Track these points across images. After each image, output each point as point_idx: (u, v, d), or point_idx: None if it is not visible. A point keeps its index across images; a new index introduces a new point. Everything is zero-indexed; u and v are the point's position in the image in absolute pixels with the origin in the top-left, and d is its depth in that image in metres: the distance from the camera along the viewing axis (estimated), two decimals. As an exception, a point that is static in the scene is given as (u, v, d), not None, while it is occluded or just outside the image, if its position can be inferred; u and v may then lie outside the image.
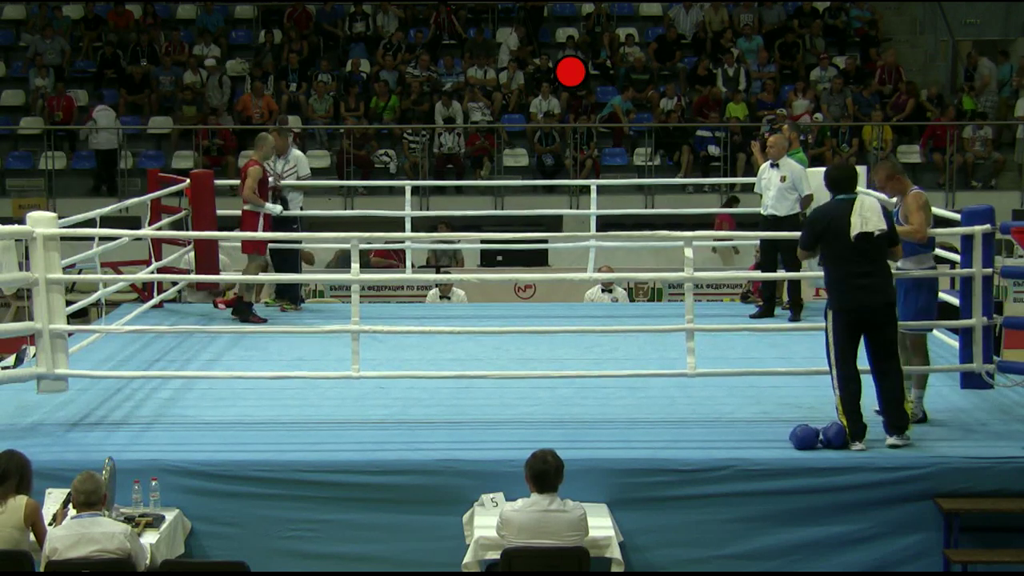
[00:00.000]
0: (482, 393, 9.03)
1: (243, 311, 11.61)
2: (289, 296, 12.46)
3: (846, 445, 7.75)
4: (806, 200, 11.37)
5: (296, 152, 12.62)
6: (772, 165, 11.54)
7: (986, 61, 21.28)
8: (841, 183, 8.00)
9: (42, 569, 6.67)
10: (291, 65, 21.08)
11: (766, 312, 11.57)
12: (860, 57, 21.70)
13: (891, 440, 7.83)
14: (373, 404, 8.81)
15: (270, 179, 12.09)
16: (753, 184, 12.08)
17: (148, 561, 6.80)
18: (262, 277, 13.07)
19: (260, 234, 12.64)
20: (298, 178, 12.35)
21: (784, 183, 11.39)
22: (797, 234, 11.13)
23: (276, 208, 11.73)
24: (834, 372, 7.91)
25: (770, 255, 11.54)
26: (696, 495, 7.60)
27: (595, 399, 8.91)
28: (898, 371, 7.87)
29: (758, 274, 11.80)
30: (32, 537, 6.80)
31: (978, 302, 8.34)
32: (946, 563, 7.50)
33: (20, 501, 6.76)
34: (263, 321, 11.59)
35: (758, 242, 12.16)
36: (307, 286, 14.31)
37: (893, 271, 8.03)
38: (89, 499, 6.70)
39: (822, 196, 11.77)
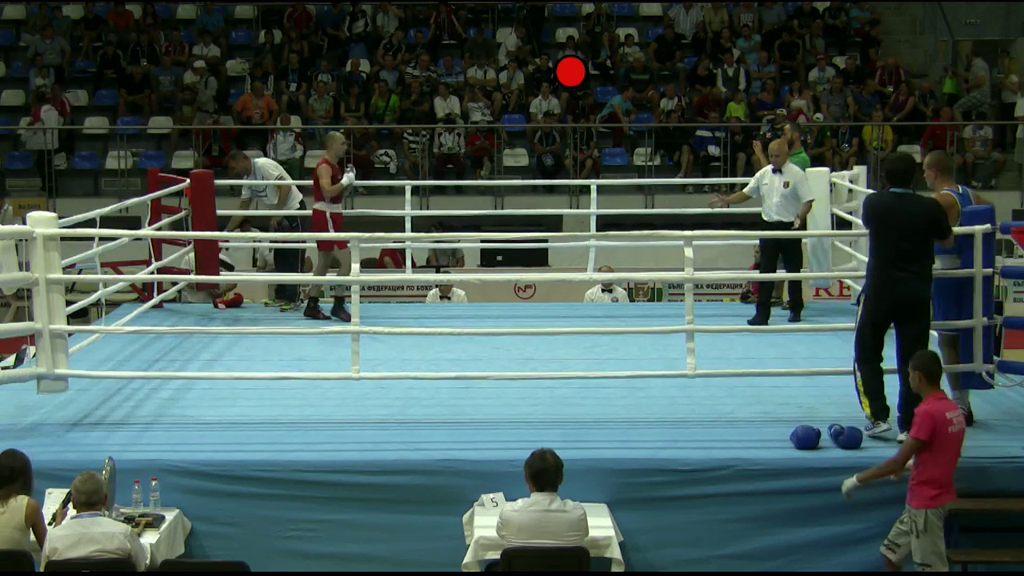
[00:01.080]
0: (482, 393, 9.02)
1: (311, 308, 11.69)
2: (287, 296, 12.47)
3: (856, 444, 7.78)
4: (806, 207, 11.28)
5: (259, 162, 12.66)
6: (775, 170, 11.44)
7: (980, 61, 21.29)
8: (896, 175, 7.99)
9: (42, 569, 6.67)
10: (291, 65, 21.08)
11: (762, 318, 11.38)
12: (860, 57, 21.70)
13: (901, 436, 7.85)
14: (373, 404, 8.80)
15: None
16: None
17: (148, 561, 6.80)
18: (261, 276, 13.11)
19: (260, 234, 12.66)
20: (271, 187, 12.38)
21: (788, 188, 11.32)
22: (797, 234, 11.27)
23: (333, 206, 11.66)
24: (855, 355, 8.01)
25: (771, 259, 11.45)
26: (696, 495, 7.60)
27: (595, 399, 8.91)
28: None
29: (758, 274, 11.78)
30: (32, 537, 6.80)
31: (978, 302, 8.33)
32: (946, 563, 7.50)
33: (21, 502, 6.76)
34: (327, 318, 11.61)
35: (757, 242, 12.15)
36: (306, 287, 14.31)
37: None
38: (90, 499, 6.70)
39: (820, 198, 11.85)
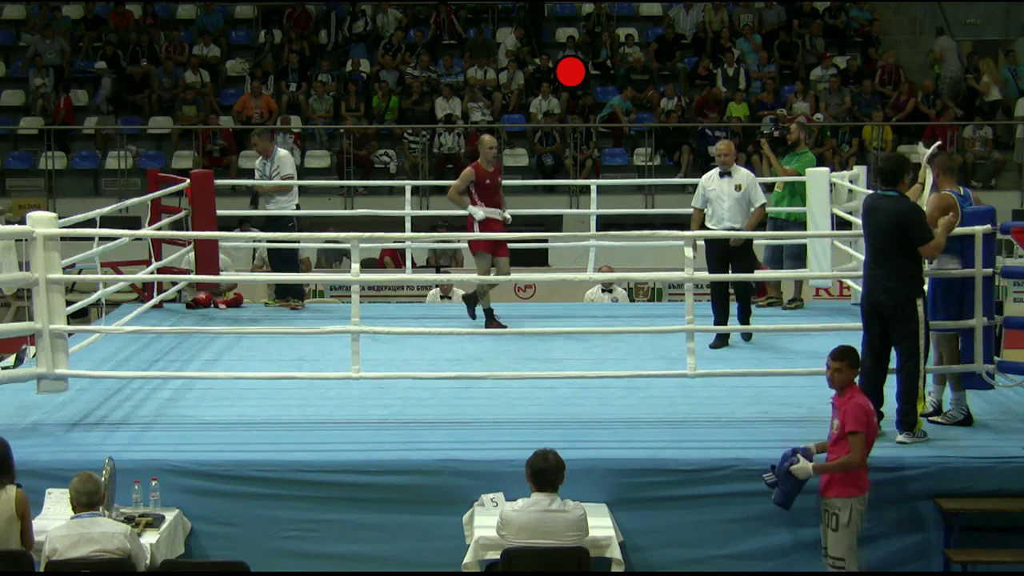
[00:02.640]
0: (482, 393, 9.02)
1: (490, 317, 11.15)
2: (293, 294, 12.48)
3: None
4: (758, 213, 10.58)
5: (281, 152, 12.60)
6: (722, 174, 10.55)
7: (944, 39, 21.49)
8: (885, 175, 7.97)
9: (42, 569, 6.66)
10: (291, 65, 21.08)
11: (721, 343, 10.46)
12: (860, 57, 21.71)
13: (899, 437, 7.85)
14: (373, 404, 8.81)
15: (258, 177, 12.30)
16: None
17: (148, 561, 6.80)
18: (261, 276, 13.11)
19: (259, 233, 12.66)
20: (281, 177, 12.37)
21: (740, 192, 10.48)
22: (803, 234, 11.18)
23: (479, 212, 11.07)
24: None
25: (723, 266, 10.43)
26: (696, 495, 7.60)
27: (595, 399, 8.91)
28: (907, 369, 7.88)
29: (757, 274, 11.74)
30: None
31: (978, 302, 8.34)
32: (946, 563, 7.50)
33: (11, 492, 6.72)
34: (503, 326, 10.96)
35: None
36: (307, 286, 14.32)
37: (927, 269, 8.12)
38: (91, 500, 6.70)
39: (820, 198, 11.86)
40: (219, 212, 12.38)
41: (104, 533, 6.61)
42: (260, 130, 13.04)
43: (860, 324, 8.15)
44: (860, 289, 11.90)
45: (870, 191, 8.47)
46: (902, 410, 7.89)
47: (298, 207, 12.55)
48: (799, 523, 7.54)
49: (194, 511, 7.55)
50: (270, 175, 12.37)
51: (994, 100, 20.88)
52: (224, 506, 7.58)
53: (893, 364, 8.05)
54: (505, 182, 18.77)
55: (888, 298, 7.85)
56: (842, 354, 7.33)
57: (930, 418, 8.27)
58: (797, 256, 12.24)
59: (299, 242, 12.55)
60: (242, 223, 15.17)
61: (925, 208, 8.17)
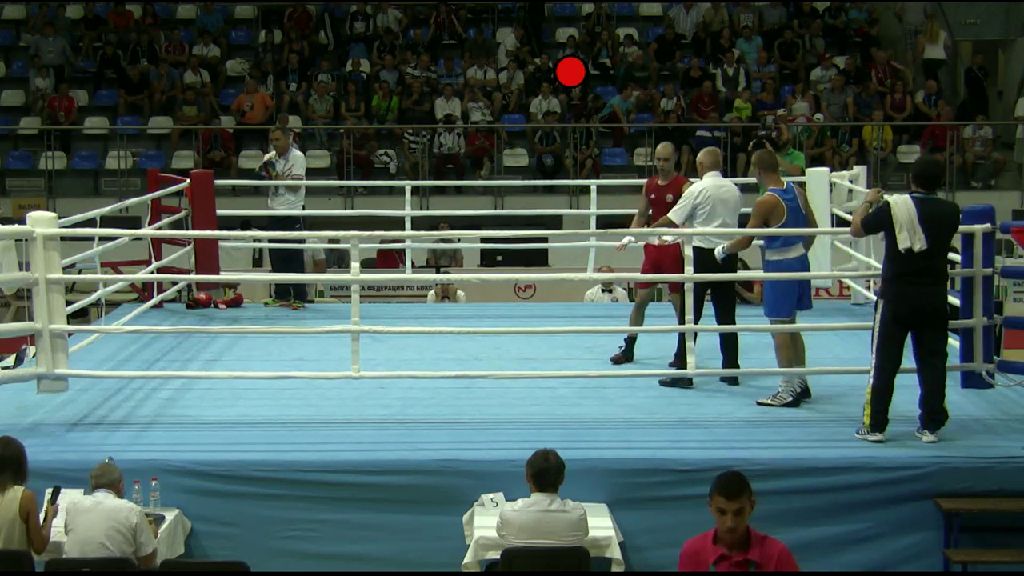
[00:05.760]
0: (482, 393, 9.03)
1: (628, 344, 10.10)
2: (298, 295, 12.47)
3: None
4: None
5: (296, 152, 12.63)
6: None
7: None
8: (932, 180, 7.94)
9: (42, 569, 6.66)
10: (291, 65, 21.08)
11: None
12: (860, 57, 21.71)
13: (928, 437, 7.87)
14: (373, 404, 8.81)
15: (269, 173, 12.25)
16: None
17: (156, 543, 6.87)
18: (262, 276, 13.10)
19: (261, 233, 12.65)
20: (291, 177, 12.37)
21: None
22: (805, 231, 11.12)
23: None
24: (872, 360, 7.93)
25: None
26: (696, 495, 7.52)
27: (595, 399, 8.91)
28: (941, 368, 7.90)
29: (754, 274, 11.73)
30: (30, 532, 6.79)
31: (978, 302, 8.34)
32: (946, 563, 7.49)
33: (17, 492, 6.72)
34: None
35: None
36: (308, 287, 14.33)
37: None
38: (103, 482, 6.89)
39: (820, 199, 11.86)
40: (219, 212, 12.38)
41: (113, 507, 6.75)
42: (284, 116, 13.00)
43: (860, 324, 8.15)
44: (860, 290, 11.99)
45: (907, 195, 8.15)
46: (935, 409, 7.90)
47: (304, 208, 12.57)
48: (799, 523, 7.54)
49: (194, 511, 7.55)
50: (283, 173, 12.37)
51: (933, 59, 21.15)
52: (224, 506, 7.58)
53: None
54: (505, 182, 19.03)
55: (938, 305, 7.82)
56: (742, 486, 5.47)
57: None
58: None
59: (301, 241, 12.53)
60: (244, 225, 15.16)
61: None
